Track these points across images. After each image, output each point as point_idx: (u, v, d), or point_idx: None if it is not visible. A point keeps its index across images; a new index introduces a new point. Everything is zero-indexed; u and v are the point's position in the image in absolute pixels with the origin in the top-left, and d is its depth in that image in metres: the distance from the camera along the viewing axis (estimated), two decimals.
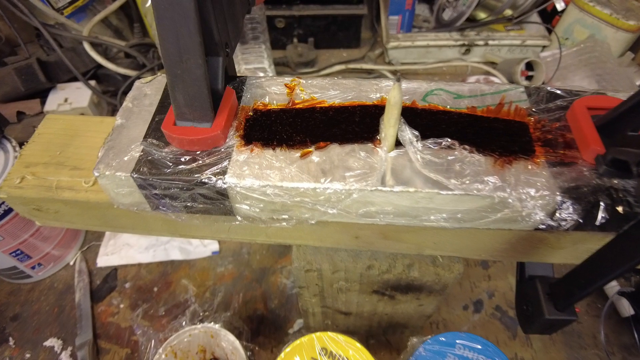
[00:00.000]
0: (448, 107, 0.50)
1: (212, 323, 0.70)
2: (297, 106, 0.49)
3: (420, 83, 0.52)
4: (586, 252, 0.53)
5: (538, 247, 0.53)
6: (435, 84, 0.52)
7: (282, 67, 1.34)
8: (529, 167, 0.45)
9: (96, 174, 0.45)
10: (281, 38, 1.35)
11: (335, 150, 0.45)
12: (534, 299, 0.62)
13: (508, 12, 1.36)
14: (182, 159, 0.45)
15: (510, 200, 0.42)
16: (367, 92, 0.51)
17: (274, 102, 0.50)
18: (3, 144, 0.82)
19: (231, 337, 0.69)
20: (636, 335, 0.81)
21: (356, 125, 0.47)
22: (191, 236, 0.58)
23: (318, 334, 0.57)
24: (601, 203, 0.42)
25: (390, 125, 0.42)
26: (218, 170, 0.43)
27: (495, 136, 0.47)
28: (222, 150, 0.45)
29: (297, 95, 0.50)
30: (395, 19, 1.32)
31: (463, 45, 1.31)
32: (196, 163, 0.44)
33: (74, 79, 1.17)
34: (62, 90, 1.16)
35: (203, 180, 0.43)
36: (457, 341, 0.58)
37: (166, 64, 0.42)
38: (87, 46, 1.14)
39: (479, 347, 0.57)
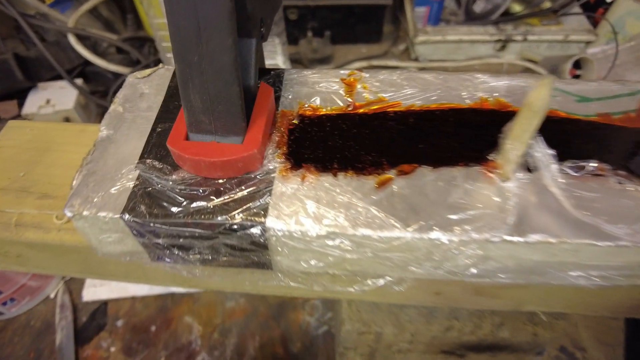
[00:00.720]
0: (572, 114, 0.35)
1: None
2: (361, 110, 0.34)
3: (526, 79, 0.37)
4: None
5: None
6: None
7: (294, 64, 1.19)
8: None
9: (68, 214, 0.30)
10: (293, 32, 1.20)
11: (428, 177, 0.30)
12: None
13: (546, 4, 1.22)
14: (199, 192, 0.30)
15: None
16: (456, 89, 0.36)
17: (327, 104, 0.35)
18: None
19: None
20: None
21: (452, 138, 0.33)
22: (203, 288, 0.43)
23: None
24: None
25: (524, 140, 0.28)
26: (255, 210, 0.28)
27: None
28: (259, 177, 0.30)
29: (358, 94, 0.36)
30: (422, 10, 1.18)
31: (499, 40, 1.17)
32: (221, 198, 0.29)
33: (58, 77, 1.02)
34: (44, 90, 1.01)
35: (233, 226, 0.28)
36: None
37: (176, 47, 0.27)
38: (72, 39, 0.99)
39: None
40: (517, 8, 1.23)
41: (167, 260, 0.33)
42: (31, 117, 0.95)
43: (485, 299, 0.39)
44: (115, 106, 0.37)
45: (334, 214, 0.28)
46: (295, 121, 0.34)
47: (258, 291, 0.38)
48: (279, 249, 0.29)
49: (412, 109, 0.34)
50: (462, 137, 0.33)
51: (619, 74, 1.02)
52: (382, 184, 0.30)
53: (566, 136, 0.33)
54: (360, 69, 0.37)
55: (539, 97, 0.25)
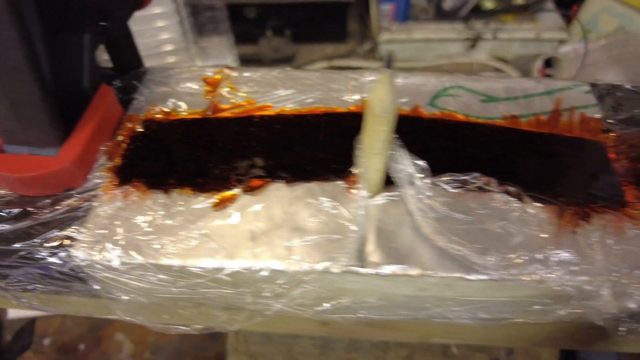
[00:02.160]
0: (474, 116, 0.30)
1: None
2: (222, 114, 0.30)
3: (427, 77, 0.33)
4: None
5: (608, 336, 0.33)
6: (450, 78, 0.33)
7: (253, 64, 1.14)
8: (622, 225, 0.25)
9: None
10: (252, 30, 1.15)
11: (279, 193, 0.26)
12: None
13: (519, 0, 1.17)
14: (5, 213, 0.25)
15: (602, 293, 0.22)
16: (339, 91, 0.31)
17: (184, 107, 0.30)
18: None
19: None
20: None
21: (320, 147, 0.28)
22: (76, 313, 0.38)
23: None
24: None
25: (375, 151, 0.23)
26: (59, 237, 0.24)
27: (558, 169, 0.28)
28: (77, 196, 0.26)
29: (222, 96, 0.31)
30: (388, 8, 1.13)
31: (468, 39, 1.11)
32: (26, 222, 0.24)
33: None
34: None
35: (33, 254, 0.23)
36: None
37: None
38: None
39: None
40: (488, 5, 1.18)
41: None
42: None
43: (383, 330, 0.34)
44: None
45: (148, 241, 0.23)
46: (139, 128, 0.29)
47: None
48: (96, 282, 0.24)
49: (282, 113, 0.30)
50: (333, 146, 0.28)
51: (590, 73, 0.97)
52: (221, 203, 0.25)
53: (457, 143, 0.29)
54: (231, 67, 0.32)
55: (378, 98, 0.20)
